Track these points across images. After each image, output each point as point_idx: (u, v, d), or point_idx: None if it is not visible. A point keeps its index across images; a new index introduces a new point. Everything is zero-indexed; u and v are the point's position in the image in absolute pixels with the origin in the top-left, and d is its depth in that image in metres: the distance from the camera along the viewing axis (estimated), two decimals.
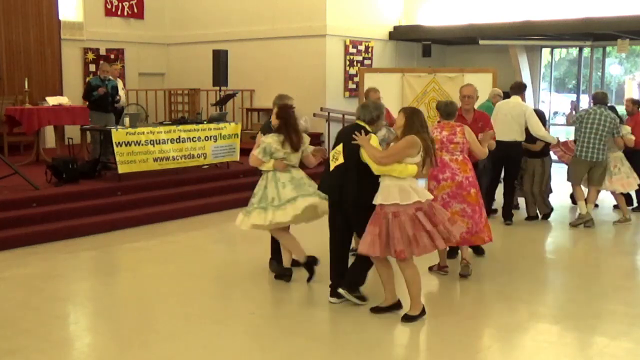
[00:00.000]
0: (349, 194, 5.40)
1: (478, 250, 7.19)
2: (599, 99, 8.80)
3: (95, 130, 10.25)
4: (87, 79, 11.06)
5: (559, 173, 9.86)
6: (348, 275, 5.60)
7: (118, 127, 9.77)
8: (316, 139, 13.88)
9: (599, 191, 9.01)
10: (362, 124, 5.43)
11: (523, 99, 8.86)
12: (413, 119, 5.21)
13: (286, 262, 6.31)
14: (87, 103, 10.86)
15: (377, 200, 5.18)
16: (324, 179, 5.77)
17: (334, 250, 5.71)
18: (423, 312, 5.32)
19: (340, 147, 5.47)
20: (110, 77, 10.82)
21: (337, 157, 5.47)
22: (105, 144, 9.96)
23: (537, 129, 8.52)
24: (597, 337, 5.17)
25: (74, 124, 11.42)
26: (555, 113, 15.90)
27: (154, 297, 6.01)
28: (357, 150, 5.26)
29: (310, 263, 6.17)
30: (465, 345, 5.01)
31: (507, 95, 9.07)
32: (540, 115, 8.93)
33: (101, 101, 10.49)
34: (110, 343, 5.01)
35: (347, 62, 14.25)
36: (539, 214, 9.11)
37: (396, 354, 4.88)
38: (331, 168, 5.53)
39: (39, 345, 4.88)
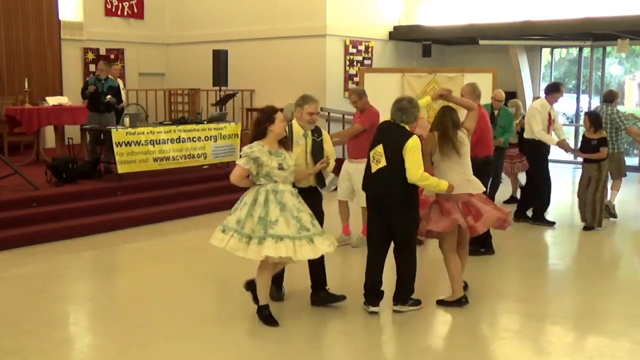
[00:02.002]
0: (396, 194, 5.29)
1: (486, 248, 7.26)
2: (605, 98, 9.31)
3: (95, 130, 10.19)
4: (86, 79, 10.76)
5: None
6: (398, 290, 5.51)
7: (118, 127, 9.75)
8: None
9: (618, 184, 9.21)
10: (403, 125, 5.35)
11: (552, 101, 8.71)
12: None
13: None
14: (86, 103, 10.66)
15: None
16: (365, 181, 5.54)
17: (372, 257, 5.49)
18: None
19: (381, 148, 5.31)
20: (110, 77, 10.50)
21: (379, 159, 5.31)
22: (106, 145, 9.95)
23: (530, 130, 8.60)
24: (597, 337, 5.16)
25: (74, 124, 11.42)
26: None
27: (154, 297, 6.01)
28: (399, 150, 5.20)
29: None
30: (466, 344, 5.01)
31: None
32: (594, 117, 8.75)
33: (94, 101, 10.19)
34: (110, 343, 5.01)
35: (347, 62, 14.24)
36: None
37: (396, 354, 4.88)
38: (373, 170, 5.36)
39: (39, 345, 4.88)
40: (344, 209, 7.75)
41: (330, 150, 5.62)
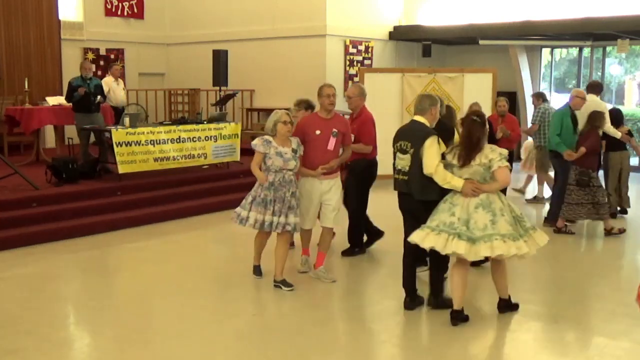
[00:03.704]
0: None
1: None
2: (540, 97, 10.35)
3: (92, 130, 10.16)
4: (69, 80, 10.33)
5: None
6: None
7: (118, 127, 9.75)
8: None
9: None
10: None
11: (599, 98, 9.22)
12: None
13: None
14: (72, 105, 10.27)
15: None
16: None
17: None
18: None
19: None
20: (92, 76, 10.28)
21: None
22: (104, 146, 9.94)
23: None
24: (597, 337, 5.17)
25: (73, 124, 11.40)
26: None
27: (154, 297, 6.01)
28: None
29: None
30: (465, 344, 5.01)
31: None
32: (616, 113, 9.20)
33: (83, 102, 10.01)
34: (110, 343, 5.01)
35: (347, 62, 14.25)
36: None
37: (395, 353, 4.88)
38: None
39: (39, 345, 4.88)
40: (308, 235, 6.62)
41: None
